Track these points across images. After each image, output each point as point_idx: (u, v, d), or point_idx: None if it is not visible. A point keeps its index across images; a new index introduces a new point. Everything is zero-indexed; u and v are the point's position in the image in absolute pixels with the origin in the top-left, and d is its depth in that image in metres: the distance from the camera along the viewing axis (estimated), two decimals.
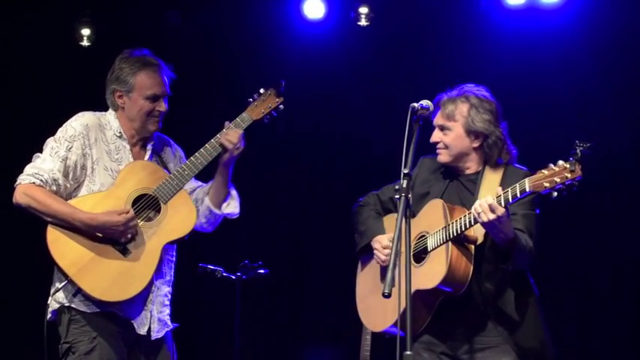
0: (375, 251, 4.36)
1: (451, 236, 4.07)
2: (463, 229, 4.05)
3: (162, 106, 4.58)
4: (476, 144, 4.27)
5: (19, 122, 7.44)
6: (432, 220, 4.18)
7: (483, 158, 4.29)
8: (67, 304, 4.42)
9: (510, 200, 3.92)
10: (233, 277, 6.20)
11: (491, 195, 3.98)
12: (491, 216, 3.90)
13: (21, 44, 7.39)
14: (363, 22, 7.15)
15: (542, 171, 3.84)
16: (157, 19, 7.38)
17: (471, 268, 4.07)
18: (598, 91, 6.88)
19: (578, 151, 3.76)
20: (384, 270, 4.33)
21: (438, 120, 4.32)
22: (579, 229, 6.91)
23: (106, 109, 4.68)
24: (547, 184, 3.80)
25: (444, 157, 4.32)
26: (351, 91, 7.40)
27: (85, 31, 7.40)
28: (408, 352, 3.65)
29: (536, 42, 6.92)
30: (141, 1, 7.37)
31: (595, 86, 6.88)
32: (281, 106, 4.73)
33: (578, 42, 6.83)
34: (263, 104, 4.71)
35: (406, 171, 3.85)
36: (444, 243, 4.10)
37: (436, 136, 4.32)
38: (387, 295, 3.65)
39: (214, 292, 7.00)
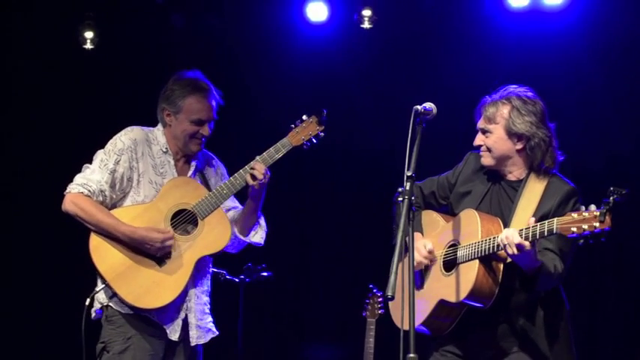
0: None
1: (480, 254, 4.02)
2: (492, 250, 4.00)
3: (206, 131, 4.77)
4: (519, 146, 4.19)
5: (21, 124, 7.46)
6: (465, 231, 4.15)
7: (528, 162, 4.21)
8: (105, 304, 4.63)
9: (537, 237, 3.87)
10: (236, 280, 6.20)
11: (529, 210, 3.95)
12: (517, 252, 3.87)
13: (24, 47, 7.39)
14: (366, 25, 7.14)
15: (572, 214, 3.78)
16: (161, 22, 7.38)
17: (498, 286, 4.03)
18: (601, 93, 6.87)
19: (611, 199, 3.66)
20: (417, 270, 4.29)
21: (479, 124, 4.28)
22: None
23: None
24: (574, 230, 3.74)
25: (486, 159, 4.25)
26: (354, 93, 7.40)
27: (89, 34, 7.40)
28: (412, 355, 3.65)
29: (539, 44, 6.91)
30: (144, 3, 7.37)
31: (598, 88, 6.87)
32: (321, 134, 4.88)
33: (581, 44, 6.82)
34: (304, 131, 4.85)
35: (409, 173, 3.84)
36: (473, 259, 4.05)
37: (478, 139, 4.27)
38: (391, 298, 3.65)
39: (217, 294, 6.98)
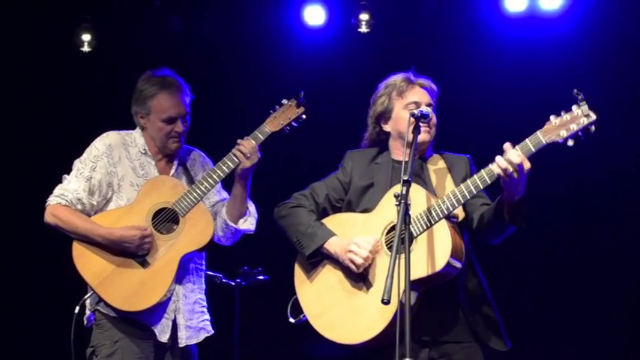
0: (349, 254, 4.14)
1: (446, 213, 3.97)
2: (462, 201, 3.96)
3: (179, 127, 4.73)
4: None
5: (19, 127, 7.45)
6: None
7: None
8: (94, 309, 4.64)
9: (526, 156, 3.83)
10: (232, 284, 6.20)
11: (448, 181, 4.02)
12: (527, 166, 3.80)
13: (22, 49, 7.39)
14: (363, 29, 7.16)
15: (552, 121, 3.79)
16: (159, 25, 7.39)
17: (464, 245, 4.03)
18: (597, 99, 6.84)
19: (580, 97, 3.76)
20: (354, 276, 4.18)
21: (426, 97, 4.30)
22: (579, 231, 6.91)
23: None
24: (564, 133, 3.75)
25: (429, 136, 4.27)
26: (352, 97, 7.39)
27: (86, 37, 7.41)
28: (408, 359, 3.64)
29: (536, 50, 6.93)
30: (142, 6, 7.38)
31: (595, 93, 6.83)
32: (303, 116, 4.83)
33: (578, 50, 6.84)
34: (282, 115, 4.80)
35: (405, 177, 3.83)
36: (434, 223, 3.99)
37: (429, 111, 4.23)
38: (387, 302, 3.60)
39: (214, 298, 6.98)
